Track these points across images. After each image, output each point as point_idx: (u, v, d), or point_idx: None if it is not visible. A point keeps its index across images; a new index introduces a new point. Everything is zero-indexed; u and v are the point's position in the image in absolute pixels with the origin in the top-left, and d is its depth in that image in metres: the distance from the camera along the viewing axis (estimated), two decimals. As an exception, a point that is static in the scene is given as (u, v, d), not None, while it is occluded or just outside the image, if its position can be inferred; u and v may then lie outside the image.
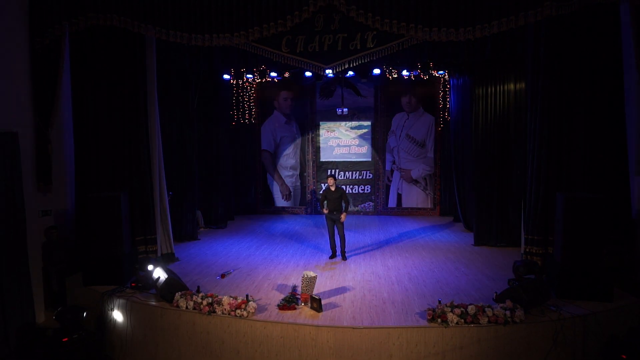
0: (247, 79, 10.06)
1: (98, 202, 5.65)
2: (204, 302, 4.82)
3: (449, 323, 4.31)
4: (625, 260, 5.54)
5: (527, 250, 6.10)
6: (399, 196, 11.25)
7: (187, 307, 4.86)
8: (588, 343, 4.50)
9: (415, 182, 11.15)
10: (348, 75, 9.42)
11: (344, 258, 6.96)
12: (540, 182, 5.96)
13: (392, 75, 9.65)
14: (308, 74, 9.17)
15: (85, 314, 5.08)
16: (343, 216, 6.82)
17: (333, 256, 7.05)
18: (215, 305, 4.77)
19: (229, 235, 8.84)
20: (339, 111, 9.65)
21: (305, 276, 5.00)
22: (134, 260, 5.99)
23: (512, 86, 7.56)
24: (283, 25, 5.59)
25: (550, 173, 5.89)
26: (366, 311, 4.76)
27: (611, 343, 4.55)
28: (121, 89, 6.22)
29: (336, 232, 6.95)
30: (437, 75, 9.88)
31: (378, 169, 11.26)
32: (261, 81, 10.56)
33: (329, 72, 9.21)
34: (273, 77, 9.83)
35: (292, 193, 11.53)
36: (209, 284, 5.75)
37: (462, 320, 4.32)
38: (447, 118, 10.51)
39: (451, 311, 4.38)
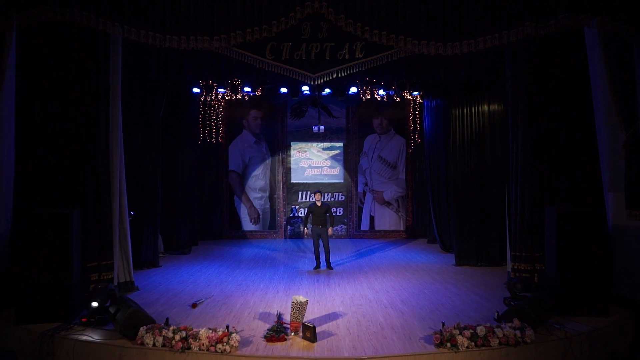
0: (217, 94, 9.54)
1: (43, 220, 4.75)
2: (177, 337, 4.06)
3: (459, 347, 3.94)
4: (606, 274, 5.59)
5: (516, 267, 5.99)
6: (372, 218, 11.01)
7: (154, 344, 4.06)
8: (593, 360, 4.33)
9: (387, 204, 11.01)
10: (324, 93, 9.25)
11: (329, 267, 7.31)
12: (525, 199, 5.95)
13: (365, 96, 9.62)
14: (283, 90, 8.87)
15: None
16: (330, 231, 7.36)
17: (317, 267, 7.34)
18: (190, 340, 4.02)
19: (194, 262, 7.98)
20: (315, 129, 9.39)
21: (295, 301, 4.43)
22: (85, 291, 5.06)
23: (486, 107, 7.75)
24: (268, 31, 5.27)
25: (535, 190, 5.91)
26: (365, 339, 4.26)
27: (613, 359, 4.41)
28: (79, 94, 5.46)
29: (321, 244, 7.34)
30: (408, 97, 10.02)
31: (350, 191, 11.00)
32: (230, 99, 10.06)
33: (305, 89, 9.01)
34: (244, 94, 9.38)
35: (260, 216, 10.88)
36: (178, 315, 4.95)
37: (473, 344, 3.97)
38: (418, 140, 10.63)
39: (460, 334, 4.02)
